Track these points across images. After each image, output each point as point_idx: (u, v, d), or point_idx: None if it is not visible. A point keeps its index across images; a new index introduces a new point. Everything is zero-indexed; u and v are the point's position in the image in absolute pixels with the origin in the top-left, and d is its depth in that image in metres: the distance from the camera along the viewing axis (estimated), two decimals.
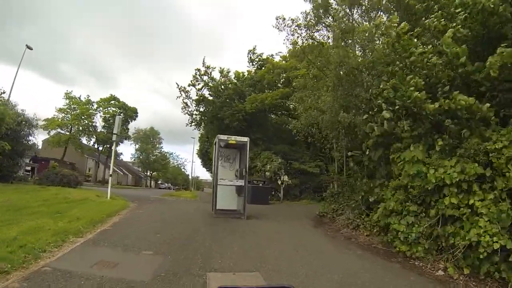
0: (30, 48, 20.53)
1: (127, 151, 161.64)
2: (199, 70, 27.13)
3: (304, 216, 11.75)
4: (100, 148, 34.06)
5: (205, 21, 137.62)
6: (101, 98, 32.86)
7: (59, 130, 32.26)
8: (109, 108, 32.31)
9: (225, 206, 10.39)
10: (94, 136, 32.69)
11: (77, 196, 11.41)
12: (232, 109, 25.94)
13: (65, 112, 31.99)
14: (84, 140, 33.44)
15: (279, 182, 21.09)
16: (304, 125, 14.78)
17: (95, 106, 32.23)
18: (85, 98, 33.37)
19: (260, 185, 18.10)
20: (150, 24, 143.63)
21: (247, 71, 30.45)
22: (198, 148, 62.43)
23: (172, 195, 24.13)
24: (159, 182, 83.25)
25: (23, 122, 13.36)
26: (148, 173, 70.70)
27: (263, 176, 22.58)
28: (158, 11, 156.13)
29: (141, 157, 62.87)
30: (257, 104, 24.13)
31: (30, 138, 14.75)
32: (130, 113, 33.80)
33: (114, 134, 12.90)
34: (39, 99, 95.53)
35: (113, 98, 32.65)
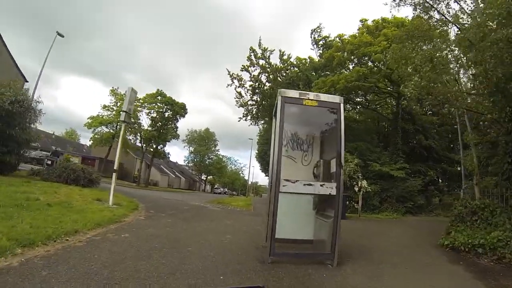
0: (61, 35, 18.06)
1: (174, 151, 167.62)
2: (254, 51, 22.68)
3: (430, 252, 6.35)
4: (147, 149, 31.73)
5: (267, 24, 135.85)
6: (147, 94, 30.78)
7: (103, 127, 30.73)
8: (155, 104, 29.72)
9: (292, 234, 5.26)
10: (139, 135, 30.31)
11: (57, 199, 7.39)
12: None
13: (110, 110, 30.32)
14: (130, 139, 31.43)
15: (356, 189, 15.41)
16: (415, 92, 9.16)
17: (141, 102, 29.97)
18: None
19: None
20: (214, 32, 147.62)
21: (309, 57, 25.21)
22: (256, 151, 58.78)
23: (221, 202, 19.59)
24: (215, 186, 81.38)
25: (17, 104, 9.89)
26: (203, 176, 68.24)
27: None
28: (222, 19, 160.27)
29: (195, 159, 60.71)
30: (326, 90, 18.76)
31: (30, 125, 11.29)
32: (178, 109, 30.79)
33: (123, 112, 8.69)
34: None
35: (159, 93, 30.01)
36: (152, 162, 32.95)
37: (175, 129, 32.33)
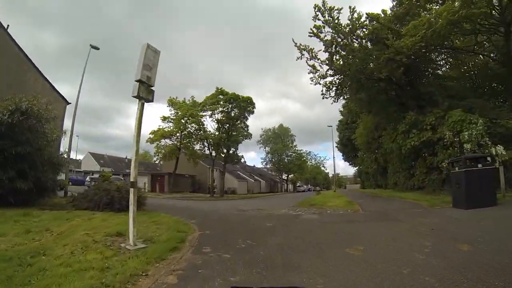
0: (96, 48, 16.03)
1: (250, 156, 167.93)
2: (319, 8, 17.65)
3: None
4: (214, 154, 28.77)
5: None
6: (206, 96, 27.82)
7: (166, 140, 29.23)
8: (217, 104, 26.76)
9: None
10: (206, 141, 27.71)
11: (34, 244, 3.94)
12: (384, 52, 15.61)
13: (171, 121, 28.63)
14: (198, 149, 29.42)
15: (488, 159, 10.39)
16: None
17: (201, 105, 27.52)
18: (189, 100, 29.40)
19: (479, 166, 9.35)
20: (271, 32, 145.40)
21: (382, 11, 19.48)
22: (338, 138, 52.29)
23: (313, 203, 14.87)
24: (298, 184, 76.95)
25: (19, 114, 7.12)
26: (284, 176, 64.21)
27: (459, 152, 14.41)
28: (279, 18, 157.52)
29: (273, 159, 57.12)
30: (421, 36, 13.12)
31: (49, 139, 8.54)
32: (245, 105, 27.07)
33: (137, 82, 4.96)
34: None
35: (220, 91, 26.88)
36: (226, 169, 30.03)
37: (245, 128, 28.94)
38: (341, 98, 22.12)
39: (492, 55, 18.95)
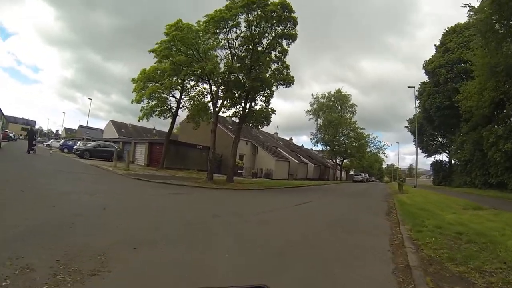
0: None
1: (302, 140, 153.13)
2: None
3: None
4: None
5: None
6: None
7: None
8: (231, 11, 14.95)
9: None
10: (207, 77, 15.83)
11: None
12: None
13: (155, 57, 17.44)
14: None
15: None
16: None
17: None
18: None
19: None
20: (326, 12, 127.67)
21: None
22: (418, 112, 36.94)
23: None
24: (351, 172, 62.41)
25: None
26: (338, 160, 49.97)
27: None
28: None
29: (326, 136, 43.65)
30: None
31: None
32: (277, 14, 14.32)
33: None
34: None
35: None
36: (240, 132, 17.55)
37: (281, 65, 16.67)
38: None
39: None
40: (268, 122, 17.02)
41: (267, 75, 15.89)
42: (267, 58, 15.86)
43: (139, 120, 20.02)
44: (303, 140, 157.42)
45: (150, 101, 19.60)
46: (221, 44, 15.71)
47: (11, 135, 36.76)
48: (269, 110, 16.95)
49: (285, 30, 15.73)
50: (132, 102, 19.10)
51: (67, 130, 73.79)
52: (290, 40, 16.09)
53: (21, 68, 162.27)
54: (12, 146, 27.53)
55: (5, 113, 58.26)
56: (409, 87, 32.70)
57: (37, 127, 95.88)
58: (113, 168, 15.63)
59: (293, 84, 16.85)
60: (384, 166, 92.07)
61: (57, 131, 69.80)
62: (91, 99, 78.67)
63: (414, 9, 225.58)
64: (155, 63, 16.40)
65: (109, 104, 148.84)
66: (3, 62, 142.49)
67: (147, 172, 15.87)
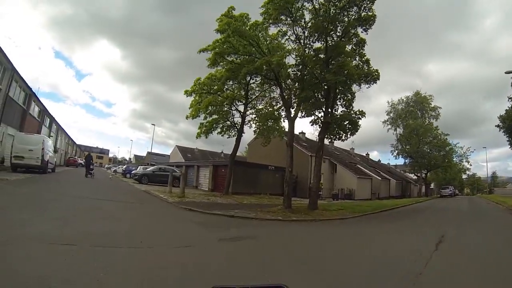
0: None
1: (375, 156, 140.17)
2: None
3: None
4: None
5: None
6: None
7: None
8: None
9: None
10: (274, 74, 12.24)
11: None
12: None
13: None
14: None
15: None
16: None
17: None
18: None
19: None
20: (380, 20, 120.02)
21: None
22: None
23: None
24: (431, 186, 53.09)
25: None
26: (422, 174, 42.17)
27: None
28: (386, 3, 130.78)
29: (407, 147, 37.21)
30: None
31: None
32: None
33: None
34: None
35: None
36: (323, 144, 13.71)
37: (359, 49, 12.60)
38: None
39: None
40: (356, 129, 12.88)
41: (349, 65, 11.85)
42: (346, 48, 11.98)
43: (197, 137, 17.60)
44: (374, 156, 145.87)
45: (207, 116, 17.07)
46: (287, 36, 12.40)
47: (81, 162, 38.92)
48: (357, 112, 12.84)
49: (361, 13, 11.71)
50: (186, 117, 16.84)
51: (137, 157, 78.25)
52: (368, 26, 11.97)
53: (96, 104, 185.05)
54: (74, 170, 29.49)
55: (80, 143, 63.80)
56: (506, 72, 25.25)
57: (110, 155, 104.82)
58: (166, 194, 12.97)
59: (378, 80, 12.53)
60: (464, 176, 78.24)
61: (130, 158, 74.08)
62: (154, 124, 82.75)
63: None
64: (208, 66, 13.76)
65: (178, 132, 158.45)
66: (80, 99, 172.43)
67: (206, 200, 12.84)
